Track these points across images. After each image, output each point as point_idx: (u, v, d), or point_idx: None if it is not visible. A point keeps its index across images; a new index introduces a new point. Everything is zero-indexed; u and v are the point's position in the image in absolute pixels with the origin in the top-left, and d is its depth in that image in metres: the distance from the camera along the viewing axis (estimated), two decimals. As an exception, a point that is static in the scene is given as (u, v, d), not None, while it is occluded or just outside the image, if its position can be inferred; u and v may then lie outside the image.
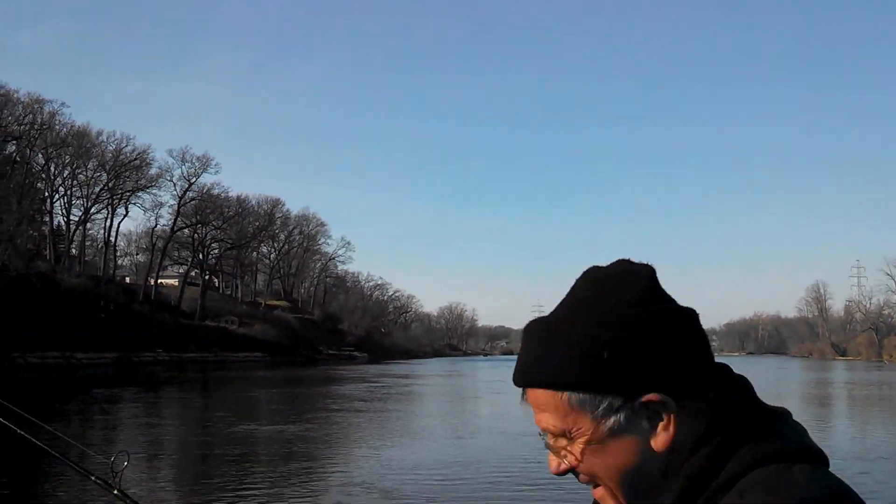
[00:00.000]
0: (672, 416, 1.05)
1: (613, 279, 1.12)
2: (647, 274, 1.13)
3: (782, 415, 1.13)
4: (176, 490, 13.24)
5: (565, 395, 1.08)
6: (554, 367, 1.09)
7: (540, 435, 1.15)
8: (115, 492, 1.84)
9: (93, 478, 1.90)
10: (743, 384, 1.13)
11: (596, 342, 1.06)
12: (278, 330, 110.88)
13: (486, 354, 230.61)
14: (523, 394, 1.15)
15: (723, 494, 1.02)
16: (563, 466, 1.12)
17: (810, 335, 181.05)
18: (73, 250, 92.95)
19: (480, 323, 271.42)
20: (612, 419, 1.06)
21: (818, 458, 1.07)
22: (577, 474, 1.13)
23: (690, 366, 1.08)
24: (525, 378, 1.13)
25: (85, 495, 6.64)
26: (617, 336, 1.06)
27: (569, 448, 1.11)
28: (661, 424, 1.06)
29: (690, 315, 1.12)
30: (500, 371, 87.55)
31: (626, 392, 1.05)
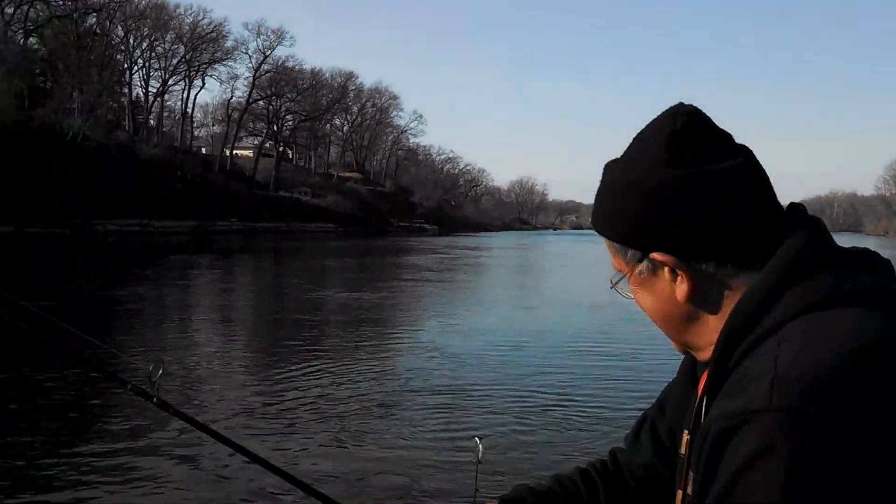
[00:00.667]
0: (685, 273, 1.11)
1: (641, 140, 1.17)
2: (669, 132, 1.12)
3: (859, 255, 1.12)
4: (245, 355, 13.40)
5: (609, 240, 1.19)
6: (597, 213, 1.21)
7: (611, 281, 1.23)
8: (155, 400, 1.83)
9: (129, 387, 1.86)
10: (814, 225, 1.13)
11: (618, 198, 1.15)
12: (350, 201, 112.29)
13: (555, 229, 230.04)
14: None
15: (763, 342, 1.03)
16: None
17: (887, 213, 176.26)
18: (152, 121, 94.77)
19: (551, 197, 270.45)
20: (639, 268, 1.15)
21: (882, 303, 1.04)
22: None
23: (715, 223, 1.09)
24: (597, 226, 1.22)
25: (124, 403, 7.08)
26: (633, 194, 1.13)
27: (627, 286, 1.21)
28: (678, 279, 1.12)
29: (725, 170, 1.10)
30: (568, 245, 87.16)
31: (642, 247, 1.13)
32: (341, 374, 11.25)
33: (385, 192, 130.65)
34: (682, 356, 1.31)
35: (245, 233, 77.54)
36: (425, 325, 17.77)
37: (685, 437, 1.22)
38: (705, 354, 1.14)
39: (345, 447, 7.72)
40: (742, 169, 1.11)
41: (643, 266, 1.15)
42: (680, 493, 1.21)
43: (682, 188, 1.09)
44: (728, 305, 1.10)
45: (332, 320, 18.35)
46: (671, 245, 1.10)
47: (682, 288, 1.12)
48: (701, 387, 1.18)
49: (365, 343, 14.66)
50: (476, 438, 2.05)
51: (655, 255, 1.12)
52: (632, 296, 1.21)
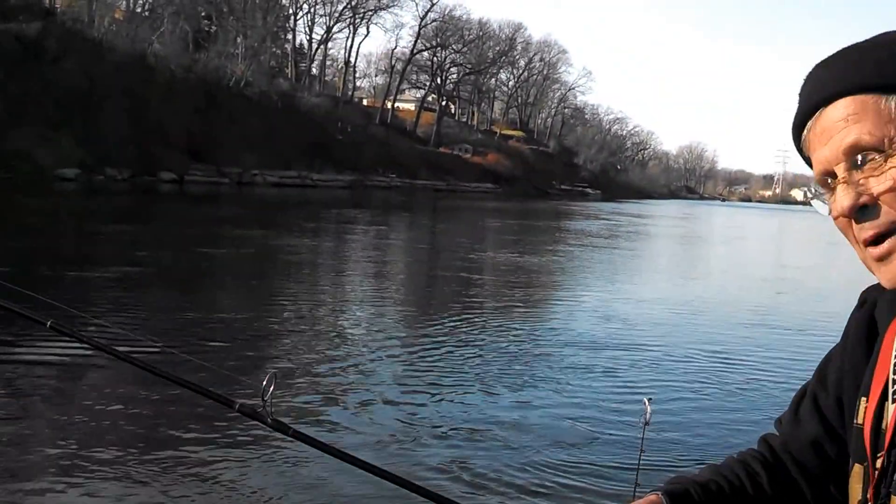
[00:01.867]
0: None
1: None
2: None
3: None
4: (399, 312, 13.62)
5: (890, 99, 0.93)
6: (878, 66, 0.94)
7: (811, 190, 1.05)
8: (269, 421, 1.71)
9: (237, 406, 1.73)
10: None
11: (882, 40, 0.96)
12: (512, 161, 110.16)
13: (723, 199, 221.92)
14: (813, 115, 0.99)
15: None
16: (866, 198, 0.95)
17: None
18: (314, 70, 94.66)
19: (720, 166, 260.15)
20: None
21: None
22: (869, 214, 0.96)
23: None
24: (838, 85, 0.97)
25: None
26: None
27: (882, 168, 0.93)
28: None
29: None
30: (738, 216, 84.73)
31: None
32: (504, 335, 11.46)
33: (548, 153, 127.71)
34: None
35: (404, 189, 76.72)
36: (591, 290, 17.66)
37: (863, 404, 1.09)
38: None
39: (512, 398, 8.10)
40: None
41: None
42: (859, 467, 1.10)
43: None
44: None
45: (493, 282, 18.64)
46: None
47: None
48: (893, 340, 1.06)
49: (529, 306, 15.03)
50: (645, 399, 2.04)
51: None
52: (829, 211, 1.00)
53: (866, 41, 0.98)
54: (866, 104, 0.93)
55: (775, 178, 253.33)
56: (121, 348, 2.04)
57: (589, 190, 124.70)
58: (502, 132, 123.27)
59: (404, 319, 13.05)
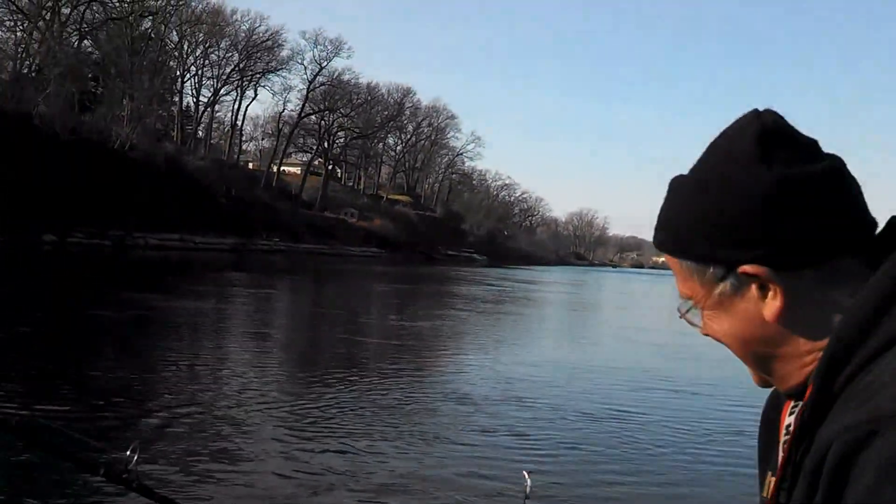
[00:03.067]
0: (779, 287, 1.02)
1: (725, 138, 1.08)
2: (758, 128, 1.04)
3: None
4: (283, 374, 13.85)
5: (681, 261, 1.10)
6: (666, 232, 1.11)
7: (680, 307, 1.15)
8: (134, 485, 1.80)
9: (101, 472, 1.81)
10: None
11: (698, 208, 1.06)
12: (398, 226, 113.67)
13: (614, 266, 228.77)
14: None
15: (884, 354, 0.96)
16: (707, 332, 1.14)
17: None
18: (200, 132, 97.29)
19: (611, 232, 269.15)
20: (719, 287, 1.06)
21: None
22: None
23: (813, 229, 1.02)
24: (658, 243, 1.15)
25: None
26: (717, 201, 1.04)
27: (703, 317, 1.12)
28: (769, 294, 1.03)
29: (822, 172, 1.04)
30: (629, 284, 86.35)
31: (726, 261, 1.04)
32: (386, 402, 11.57)
33: (435, 218, 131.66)
34: (758, 388, 1.20)
35: (288, 252, 79.15)
36: (477, 353, 18.33)
37: (769, 479, 1.13)
38: (792, 381, 1.09)
39: (390, 462, 8.17)
40: (839, 172, 1.05)
41: (725, 285, 1.06)
42: None
43: (779, 189, 1.02)
44: (823, 321, 1.04)
45: (379, 344, 18.95)
46: (765, 255, 1.03)
47: (772, 305, 1.04)
48: (784, 420, 1.14)
49: (412, 371, 15.19)
50: (524, 472, 2.12)
51: (746, 269, 1.03)
52: (700, 326, 1.14)
53: (669, 195, 1.11)
54: (676, 264, 1.11)
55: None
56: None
57: (476, 256, 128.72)
58: (389, 197, 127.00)
59: (288, 380, 13.14)
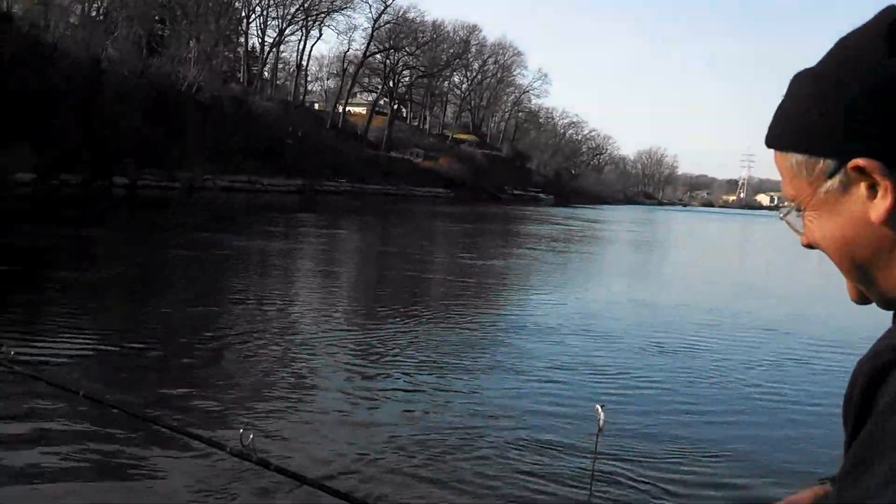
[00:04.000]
0: (890, 185, 0.97)
1: (854, 31, 1.05)
2: (889, 21, 1.00)
3: None
4: (342, 318, 13.89)
5: (789, 156, 1.07)
6: (779, 125, 1.09)
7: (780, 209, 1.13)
8: (255, 458, 2.01)
9: (227, 450, 2.04)
10: None
11: (814, 98, 1.04)
12: (464, 165, 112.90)
13: (684, 205, 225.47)
14: None
15: None
16: (805, 240, 1.11)
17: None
18: (266, 74, 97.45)
19: (681, 171, 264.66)
20: (827, 184, 1.03)
21: None
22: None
23: None
24: (768, 138, 1.12)
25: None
26: (836, 91, 1.02)
27: (800, 217, 1.10)
28: (879, 193, 0.98)
29: None
30: (700, 222, 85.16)
31: (838, 153, 1.01)
32: (459, 338, 11.93)
33: (501, 157, 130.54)
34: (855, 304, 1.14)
35: (354, 194, 79.42)
36: (549, 293, 18.39)
37: None
38: (892, 294, 1.03)
39: (464, 402, 8.38)
40: None
41: (834, 181, 1.03)
42: None
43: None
44: None
45: (446, 284, 19.44)
46: (880, 149, 0.99)
47: (881, 205, 0.99)
48: None
49: (484, 307, 15.72)
50: (597, 406, 2.13)
51: (859, 162, 0.99)
52: (801, 231, 1.11)
53: (787, 90, 1.08)
54: (783, 162, 1.07)
55: (740, 183, 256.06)
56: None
57: (542, 195, 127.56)
58: (454, 136, 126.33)
59: (361, 316, 13.66)
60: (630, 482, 6.31)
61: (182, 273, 18.32)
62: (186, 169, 59.29)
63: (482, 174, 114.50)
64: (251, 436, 1.95)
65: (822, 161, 1.03)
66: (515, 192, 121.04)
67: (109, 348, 9.82)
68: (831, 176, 1.02)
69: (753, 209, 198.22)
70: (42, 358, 8.66)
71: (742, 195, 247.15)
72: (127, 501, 5.67)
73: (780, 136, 1.08)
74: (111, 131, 51.93)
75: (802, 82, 1.07)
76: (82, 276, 16.01)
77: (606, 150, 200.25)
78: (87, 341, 10.03)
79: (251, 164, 67.39)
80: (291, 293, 16.42)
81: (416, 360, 10.18)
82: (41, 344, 9.48)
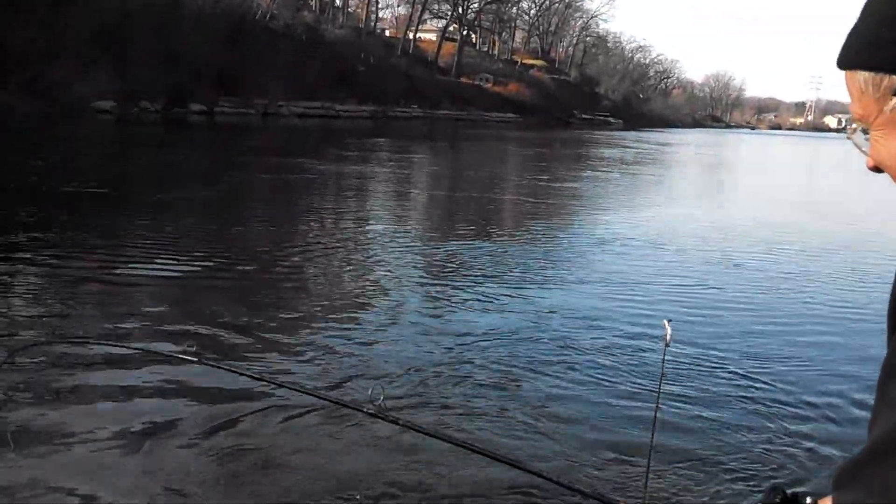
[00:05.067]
0: None
1: None
2: None
3: None
4: (431, 233, 14.39)
5: (858, 75, 1.06)
6: (847, 45, 1.08)
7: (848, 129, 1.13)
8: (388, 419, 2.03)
9: (365, 409, 2.04)
10: None
11: (882, 19, 1.02)
12: (533, 90, 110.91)
13: (752, 127, 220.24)
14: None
15: None
16: (868, 162, 1.10)
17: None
18: (338, 1, 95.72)
19: (748, 94, 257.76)
20: (893, 101, 1.02)
21: None
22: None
23: None
24: (840, 59, 1.10)
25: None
26: None
27: (868, 137, 1.09)
28: None
29: None
30: (768, 145, 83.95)
31: None
32: (538, 253, 12.16)
33: (569, 82, 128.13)
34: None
35: (425, 119, 78.42)
36: (620, 212, 18.26)
37: None
38: None
39: (531, 317, 8.24)
40: None
41: None
42: None
43: None
44: None
45: (524, 205, 19.35)
46: None
47: None
48: None
49: (558, 225, 15.77)
50: (665, 321, 2.05)
51: None
52: (867, 151, 1.08)
53: (866, 7, 1.06)
54: (851, 80, 1.07)
55: (807, 105, 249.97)
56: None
57: (611, 119, 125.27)
58: (523, 61, 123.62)
59: (440, 235, 13.65)
60: (695, 400, 6.09)
61: (267, 195, 18.52)
62: (261, 96, 58.70)
63: (551, 99, 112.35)
64: (381, 395, 1.92)
65: (888, 77, 1.03)
66: (585, 116, 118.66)
67: (203, 266, 9.89)
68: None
69: (821, 131, 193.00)
70: (137, 278, 8.85)
71: (810, 117, 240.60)
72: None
73: (850, 55, 1.08)
74: (188, 59, 51.40)
75: (875, 2, 1.06)
76: (169, 196, 16.30)
77: (674, 73, 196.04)
78: (177, 261, 10.00)
79: (324, 90, 66.53)
80: (375, 213, 16.54)
81: (497, 277, 10.25)
82: (136, 265, 9.58)
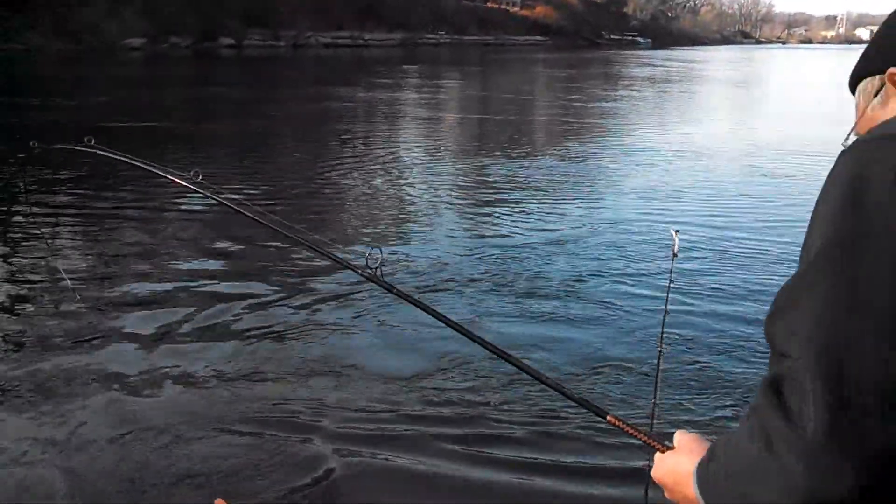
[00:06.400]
0: None
1: None
2: None
3: None
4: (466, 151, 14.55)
5: (858, 89, 1.22)
6: (860, 60, 1.22)
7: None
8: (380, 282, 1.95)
9: (359, 271, 1.98)
10: None
11: (871, 42, 1.19)
12: (560, 12, 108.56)
13: (782, 42, 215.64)
14: None
15: None
16: None
17: None
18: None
19: (777, 9, 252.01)
20: (873, 101, 1.16)
21: None
22: None
23: None
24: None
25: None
26: (885, 26, 1.16)
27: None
28: None
29: None
30: (800, 59, 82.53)
31: (879, 72, 1.15)
32: (565, 169, 12.33)
33: (596, 3, 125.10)
34: None
35: (453, 45, 77.25)
36: (650, 129, 18.26)
37: None
38: None
39: (544, 236, 8.25)
40: None
41: (878, 98, 1.16)
42: None
43: None
44: None
45: (553, 125, 19.42)
46: None
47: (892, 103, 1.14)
48: None
49: (589, 142, 15.68)
50: (673, 231, 2.04)
51: (893, 70, 1.12)
52: None
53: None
54: (856, 96, 1.24)
55: (838, 18, 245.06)
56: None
57: (639, 39, 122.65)
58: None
59: (477, 155, 13.69)
60: (703, 314, 5.95)
61: (317, 122, 18.45)
62: (289, 28, 57.92)
63: (578, 20, 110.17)
64: (379, 258, 1.90)
65: (871, 81, 1.18)
66: (613, 36, 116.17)
67: (265, 190, 10.26)
68: (876, 94, 1.17)
69: (853, 43, 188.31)
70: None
71: (841, 30, 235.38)
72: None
73: (852, 76, 1.23)
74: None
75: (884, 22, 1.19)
76: (220, 128, 16.72)
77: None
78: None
79: (351, 20, 65.53)
80: (415, 135, 16.72)
81: (519, 186, 10.73)
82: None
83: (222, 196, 2.15)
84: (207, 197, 2.12)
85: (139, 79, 30.23)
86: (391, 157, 13.28)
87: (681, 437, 1.23)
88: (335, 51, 57.86)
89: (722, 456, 1.00)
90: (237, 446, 3.97)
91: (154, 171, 2.10)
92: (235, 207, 2.14)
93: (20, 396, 4.37)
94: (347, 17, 64.75)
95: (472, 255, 7.38)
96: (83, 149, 2.12)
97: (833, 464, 0.85)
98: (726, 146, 15.02)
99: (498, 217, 8.98)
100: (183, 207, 8.80)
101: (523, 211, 9.25)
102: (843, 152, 0.99)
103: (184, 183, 2.17)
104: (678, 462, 1.18)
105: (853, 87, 1.21)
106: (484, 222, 8.78)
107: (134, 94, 23.49)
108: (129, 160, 2.12)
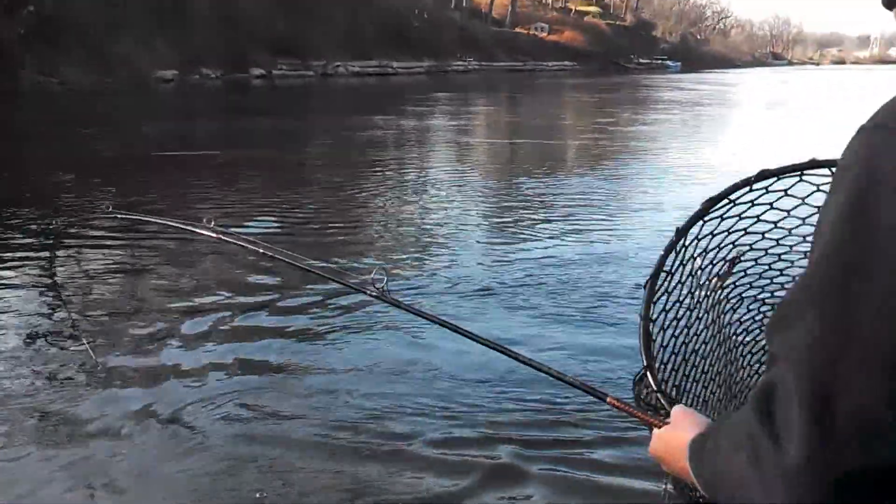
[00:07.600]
0: None
1: None
2: None
3: None
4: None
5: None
6: None
7: None
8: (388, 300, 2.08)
9: (367, 292, 2.08)
10: None
11: None
12: (588, 37, 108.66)
13: (816, 63, 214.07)
14: None
15: None
16: None
17: None
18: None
19: (808, 29, 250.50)
20: None
21: None
22: None
23: None
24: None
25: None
26: None
27: None
28: None
29: None
30: (838, 80, 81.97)
31: None
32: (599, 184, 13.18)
33: (625, 27, 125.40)
34: None
35: (482, 72, 77.25)
36: (683, 152, 18.59)
37: None
38: None
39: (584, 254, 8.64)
40: None
41: None
42: None
43: None
44: None
45: (587, 147, 19.97)
46: None
47: None
48: None
49: (625, 161, 16.54)
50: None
51: None
52: None
53: None
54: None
55: (872, 38, 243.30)
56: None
57: (669, 62, 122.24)
58: (577, 8, 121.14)
59: (515, 175, 14.51)
60: None
61: (361, 146, 19.05)
62: (317, 57, 58.40)
63: (607, 45, 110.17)
64: (385, 278, 1.99)
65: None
66: (642, 60, 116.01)
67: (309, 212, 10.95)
68: None
69: (887, 63, 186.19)
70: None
71: (875, 50, 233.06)
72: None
73: None
74: (245, 24, 51.26)
75: None
76: (275, 156, 17.47)
77: (731, 12, 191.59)
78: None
79: (379, 48, 65.95)
80: (453, 159, 17.82)
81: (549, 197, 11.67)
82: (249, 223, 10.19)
83: (237, 232, 2.35)
84: (224, 242, 2.29)
85: (181, 110, 30.71)
86: (455, 185, 13.74)
87: (676, 412, 1.30)
88: (364, 79, 58.21)
89: (714, 450, 1.05)
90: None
91: (173, 224, 2.33)
92: (249, 245, 2.31)
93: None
94: (375, 46, 65.17)
95: (513, 271, 7.82)
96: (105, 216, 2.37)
97: (812, 487, 0.87)
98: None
99: (550, 235, 9.41)
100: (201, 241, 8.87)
101: (575, 229, 9.78)
102: (857, 132, 0.95)
103: (202, 232, 2.35)
104: (674, 436, 1.23)
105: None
106: (522, 238, 9.33)
107: (191, 123, 24.43)
108: (143, 218, 2.36)
